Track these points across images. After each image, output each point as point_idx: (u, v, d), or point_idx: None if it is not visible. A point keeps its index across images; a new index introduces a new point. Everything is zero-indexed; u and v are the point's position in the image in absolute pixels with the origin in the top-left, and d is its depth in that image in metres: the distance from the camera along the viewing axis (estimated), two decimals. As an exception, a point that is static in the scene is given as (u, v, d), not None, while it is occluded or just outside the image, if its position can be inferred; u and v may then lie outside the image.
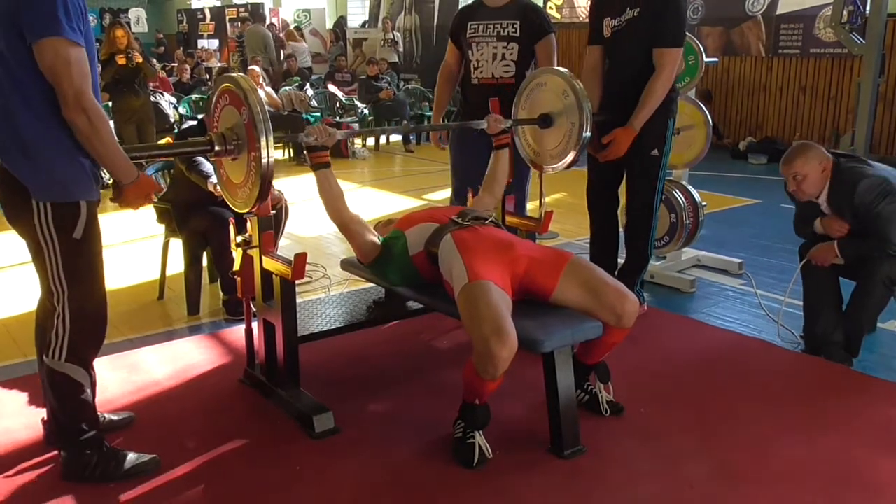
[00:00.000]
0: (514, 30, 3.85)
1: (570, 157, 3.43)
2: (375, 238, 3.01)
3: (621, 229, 3.96)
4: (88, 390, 2.49)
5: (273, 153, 2.53)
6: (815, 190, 3.36)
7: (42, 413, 2.78)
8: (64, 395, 2.47)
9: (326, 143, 2.88)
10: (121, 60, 6.92)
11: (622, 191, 3.87)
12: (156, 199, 2.39)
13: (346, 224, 2.96)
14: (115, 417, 2.90)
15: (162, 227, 4.31)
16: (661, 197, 3.77)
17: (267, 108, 8.52)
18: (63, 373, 2.43)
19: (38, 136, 2.23)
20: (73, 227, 2.31)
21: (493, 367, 2.41)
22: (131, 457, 2.57)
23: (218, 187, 3.70)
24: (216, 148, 2.66)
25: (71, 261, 2.35)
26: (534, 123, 3.53)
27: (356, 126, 10.19)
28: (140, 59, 7.06)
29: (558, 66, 3.95)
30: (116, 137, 2.36)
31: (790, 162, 3.36)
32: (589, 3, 3.73)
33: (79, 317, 2.41)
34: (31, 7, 2.14)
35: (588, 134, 3.34)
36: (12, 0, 2.15)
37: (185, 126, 5.49)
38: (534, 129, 3.59)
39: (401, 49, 13.44)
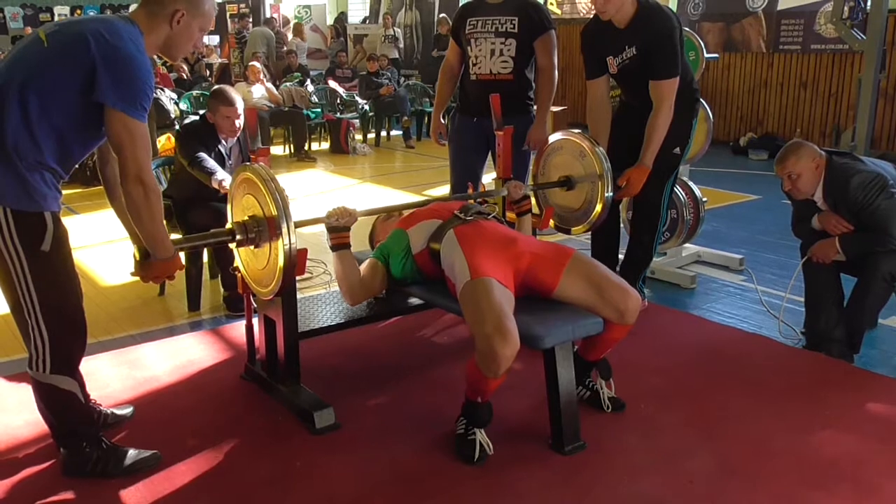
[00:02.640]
0: (512, 26, 3.85)
1: (594, 216, 3.49)
2: (378, 271, 2.97)
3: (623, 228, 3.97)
4: (79, 395, 2.47)
5: (295, 237, 2.53)
6: (811, 188, 3.37)
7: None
8: (54, 404, 2.46)
9: (347, 223, 2.86)
10: None
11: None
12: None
13: (364, 299, 3.03)
14: (118, 412, 2.91)
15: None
16: (671, 194, 3.78)
17: (268, 103, 8.50)
18: (50, 384, 2.40)
19: (21, 145, 2.20)
20: (41, 240, 2.26)
21: (495, 364, 2.41)
22: (132, 453, 2.58)
23: (224, 184, 3.71)
24: (238, 237, 2.68)
25: (41, 273, 2.28)
26: (555, 187, 3.57)
27: (356, 122, 10.20)
28: None
29: (557, 62, 3.97)
30: None
31: (783, 161, 3.37)
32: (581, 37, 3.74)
33: (56, 327, 2.35)
34: (119, 78, 2.19)
35: (611, 194, 3.40)
36: (93, 57, 2.18)
37: (186, 122, 5.48)
38: (554, 190, 3.65)
39: (401, 45, 13.42)
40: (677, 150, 3.65)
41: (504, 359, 2.40)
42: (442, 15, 12.44)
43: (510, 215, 3.38)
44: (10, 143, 2.19)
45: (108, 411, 2.87)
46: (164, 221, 4.08)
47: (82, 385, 2.52)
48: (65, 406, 2.45)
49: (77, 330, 2.43)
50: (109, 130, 2.22)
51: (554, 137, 3.63)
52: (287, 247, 2.52)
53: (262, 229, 2.63)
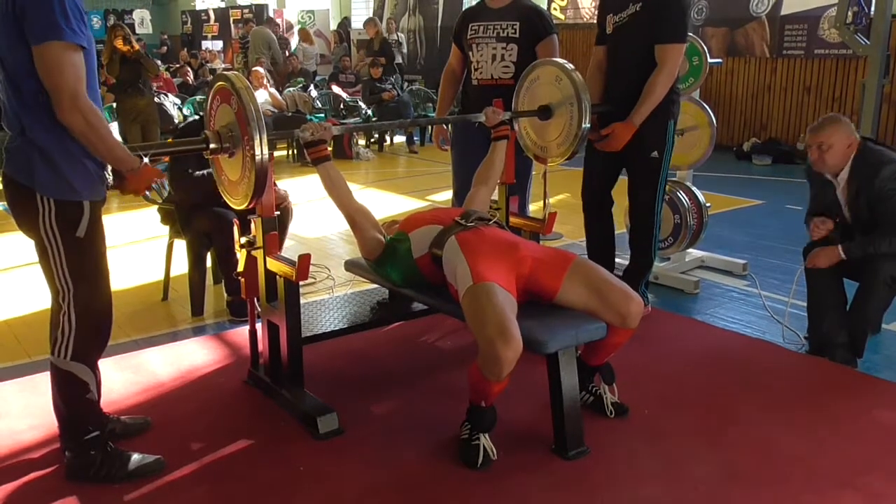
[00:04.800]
0: (513, 31, 3.86)
1: (573, 146, 3.45)
2: (380, 235, 3.01)
3: (618, 230, 3.97)
4: (93, 389, 2.51)
5: (266, 147, 2.56)
6: (837, 162, 3.34)
7: (48, 413, 2.79)
8: (69, 393, 2.49)
9: (323, 136, 2.89)
10: (121, 46, 7.01)
11: (616, 192, 3.87)
12: (156, 190, 2.41)
13: (353, 215, 2.96)
14: (128, 421, 2.90)
15: (166, 228, 4.32)
16: (662, 199, 3.78)
17: (271, 108, 8.50)
18: (68, 371, 2.45)
19: (42, 137, 2.28)
20: (77, 226, 2.35)
21: (498, 368, 2.41)
22: (135, 457, 2.58)
23: None
24: (212, 145, 2.70)
25: (75, 259, 2.38)
26: (533, 115, 3.55)
27: (360, 127, 10.22)
28: (137, 47, 7.19)
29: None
30: (121, 138, 2.39)
31: (819, 130, 3.34)
32: (593, 3, 3.75)
33: (84, 315, 2.43)
34: (31, 12, 2.18)
35: (588, 125, 3.38)
36: (16, 5, 2.19)
37: (184, 124, 5.49)
38: (535, 125, 3.60)
39: (404, 50, 13.43)
40: (655, 153, 3.62)
41: (506, 361, 2.40)
42: (369, 17, 12.57)
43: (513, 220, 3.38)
44: (34, 139, 2.27)
45: (122, 419, 2.88)
46: (168, 225, 4.14)
47: (98, 382, 2.55)
48: (78, 397, 2.48)
49: (103, 323, 2.50)
50: (39, 68, 2.19)
51: (530, 69, 3.62)
52: (259, 155, 2.54)
53: (236, 136, 2.66)
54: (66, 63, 2.19)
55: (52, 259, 2.38)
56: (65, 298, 2.41)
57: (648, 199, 3.71)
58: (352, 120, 10.15)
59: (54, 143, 2.28)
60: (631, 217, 3.81)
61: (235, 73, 2.74)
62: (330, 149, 2.96)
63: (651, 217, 3.74)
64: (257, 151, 2.54)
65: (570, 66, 3.43)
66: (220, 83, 2.70)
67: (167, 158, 4.72)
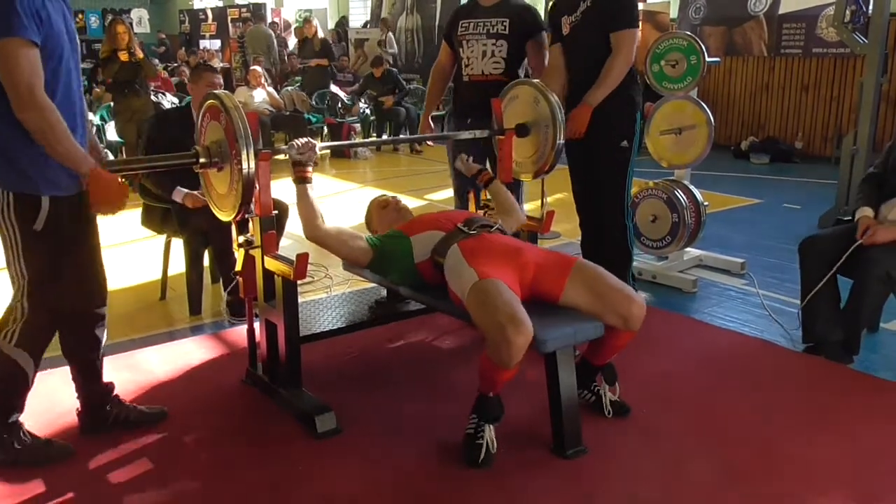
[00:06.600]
0: (503, 27, 3.90)
1: (550, 161, 3.48)
2: (361, 242, 2.95)
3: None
4: (31, 380, 2.56)
5: (253, 161, 2.62)
6: None
7: (46, 408, 2.78)
8: (4, 377, 2.53)
9: (309, 158, 2.89)
10: (123, 56, 6.96)
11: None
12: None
13: (323, 239, 2.90)
14: (146, 410, 2.93)
15: (160, 226, 4.28)
16: (630, 189, 3.84)
17: (269, 108, 8.47)
18: (10, 357, 2.50)
19: (6, 133, 2.29)
20: (34, 219, 2.37)
21: (507, 354, 2.40)
22: (45, 444, 2.63)
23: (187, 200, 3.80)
24: (202, 160, 2.75)
25: (30, 251, 2.42)
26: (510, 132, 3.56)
27: (357, 126, 10.21)
28: (141, 55, 7.12)
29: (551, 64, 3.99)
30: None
31: None
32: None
33: (36, 309, 2.48)
34: None
35: (562, 141, 3.41)
36: None
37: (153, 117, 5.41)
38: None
39: (395, 51, 13.31)
40: (625, 143, 3.70)
41: (517, 347, 2.39)
42: (305, 14, 12.54)
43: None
44: (5, 140, 2.30)
45: (139, 408, 2.91)
46: (161, 224, 4.14)
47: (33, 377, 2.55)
48: (13, 381, 2.53)
49: (52, 321, 2.54)
50: None
51: (511, 87, 3.64)
52: (247, 169, 2.61)
53: (225, 153, 2.71)
54: (20, 58, 2.20)
55: (11, 250, 2.42)
56: (19, 289, 2.46)
57: (616, 189, 3.75)
58: (349, 119, 10.15)
59: (17, 139, 2.29)
60: (600, 209, 3.83)
61: (225, 92, 2.81)
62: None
63: (621, 208, 3.77)
64: (244, 165, 2.60)
65: (553, 95, 3.44)
66: (211, 101, 2.76)
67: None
